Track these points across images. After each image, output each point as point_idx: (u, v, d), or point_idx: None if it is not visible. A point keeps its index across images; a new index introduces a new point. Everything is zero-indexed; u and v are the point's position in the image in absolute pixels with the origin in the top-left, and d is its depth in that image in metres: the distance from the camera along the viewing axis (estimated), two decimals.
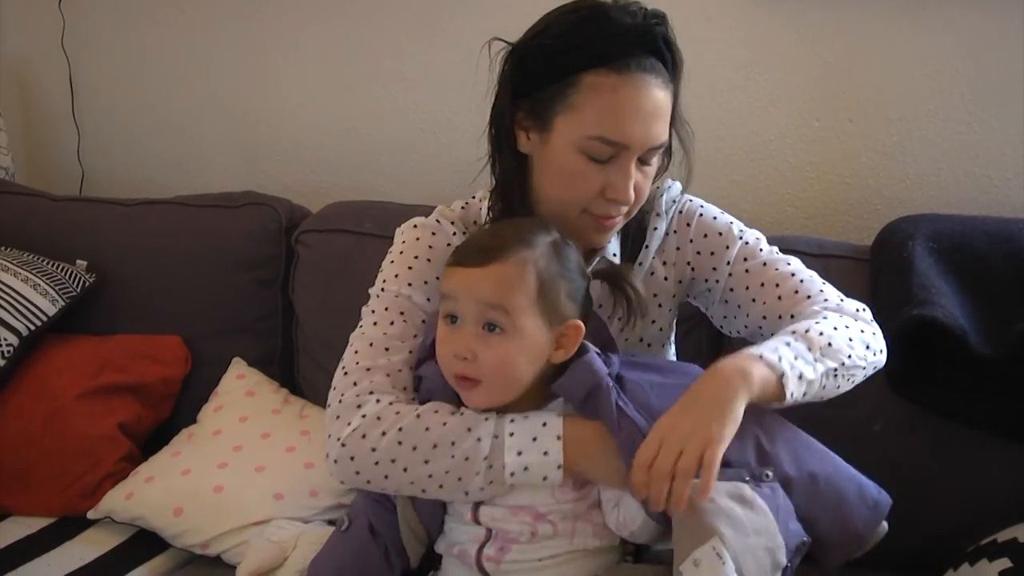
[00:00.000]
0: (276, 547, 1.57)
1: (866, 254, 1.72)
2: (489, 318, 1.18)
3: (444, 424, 1.20)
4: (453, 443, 1.18)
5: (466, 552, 1.23)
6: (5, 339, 1.89)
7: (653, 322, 1.39)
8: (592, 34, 1.21)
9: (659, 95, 1.22)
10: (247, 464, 1.77)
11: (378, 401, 1.24)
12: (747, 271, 1.34)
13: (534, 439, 1.18)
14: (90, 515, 1.79)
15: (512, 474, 1.17)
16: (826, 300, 1.30)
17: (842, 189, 1.94)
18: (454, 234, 1.36)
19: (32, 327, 1.93)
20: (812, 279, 1.33)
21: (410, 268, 1.33)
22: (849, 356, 1.22)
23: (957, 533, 1.52)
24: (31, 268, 2.00)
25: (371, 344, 1.29)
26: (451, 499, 1.24)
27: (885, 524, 1.25)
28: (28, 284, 1.96)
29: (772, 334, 1.26)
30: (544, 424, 1.19)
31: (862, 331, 1.26)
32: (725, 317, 1.40)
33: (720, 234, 1.37)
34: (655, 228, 1.37)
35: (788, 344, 1.19)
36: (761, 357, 1.16)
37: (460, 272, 1.21)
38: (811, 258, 1.70)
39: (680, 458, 1.09)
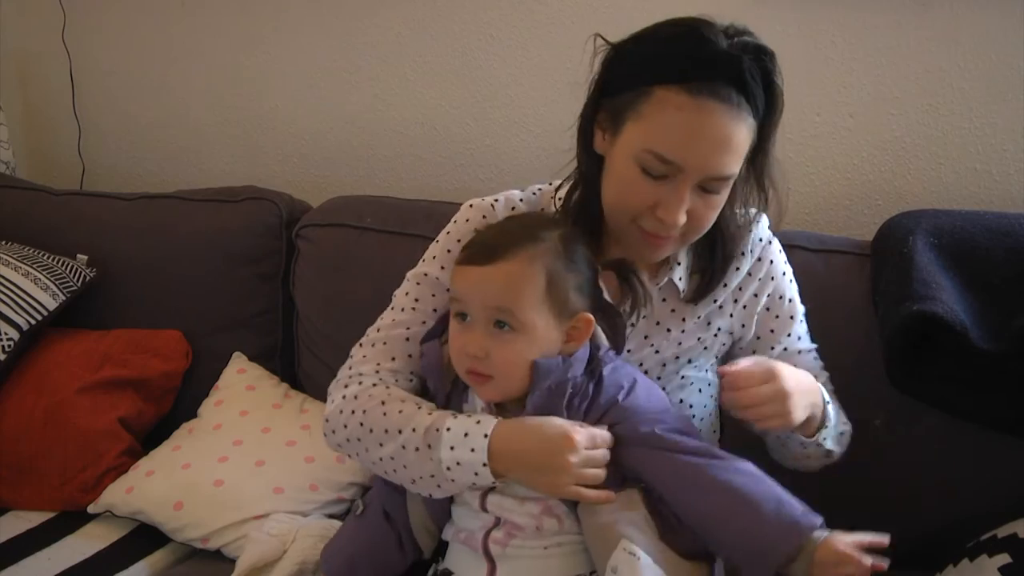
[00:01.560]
0: (275, 541, 1.57)
1: (867, 249, 1.72)
2: (498, 317, 1.20)
3: (399, 411, 1.25)
4: (400, 431, 1.23)
5: (473, 536, 1.25)
6: (5, 333, 1.89)
7: (704, 347, 1.40)
8: (678, 51, 1.20)
9: (729, 126, 1.18)
10: (247, 458, 1.78)
11: (360, 383, 1.31)
12: (799, 352, 1.43)
13: (465, 435, 1.20)
14: (90, 509, 1.79)
15: (448, 468, 1.20)
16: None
17: (843, 184, 1.94)
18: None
19: (33, 321, 1.93)
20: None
21: (448, 251, 1.36)
22: (835, 452, 1.40)
23: (957, 528, 1.52)
24: (32, 262, 2.00)
25: (378, 331, 1.36)
26: (410, 487, 1.27)
27: (818, 543, 1.18)
28: (29, 278, 1.96)
29: None
30: (478, 422, 1.21)
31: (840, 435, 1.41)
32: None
33: (792, 318, 1.43)
34: (738, 268, 1.38)
35: (839, 410, 1.39)
36: (827, 404, 1.34)
37: (467, 272, 1.22)
38: (812, 253, 1.71)
39: (763, 403, 1.22)
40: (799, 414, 1.24)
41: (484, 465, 1.18)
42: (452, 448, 1.20)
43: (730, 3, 1.92)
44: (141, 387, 1.96)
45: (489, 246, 1.22)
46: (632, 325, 1.33)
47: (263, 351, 2.04)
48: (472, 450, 1.19)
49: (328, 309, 1.96)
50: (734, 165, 1.21)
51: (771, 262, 1.40)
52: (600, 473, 1.18)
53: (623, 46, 1.25)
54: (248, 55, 2.34)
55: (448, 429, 1.21)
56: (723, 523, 1.17)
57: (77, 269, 2.04)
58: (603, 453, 1.19)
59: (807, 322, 1.45)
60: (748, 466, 1.21)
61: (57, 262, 2.03)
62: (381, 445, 1.25)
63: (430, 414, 1.24)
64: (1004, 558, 1.39)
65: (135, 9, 2.41)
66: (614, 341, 1.28)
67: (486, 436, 1.19)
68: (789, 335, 1.41)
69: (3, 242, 2.08)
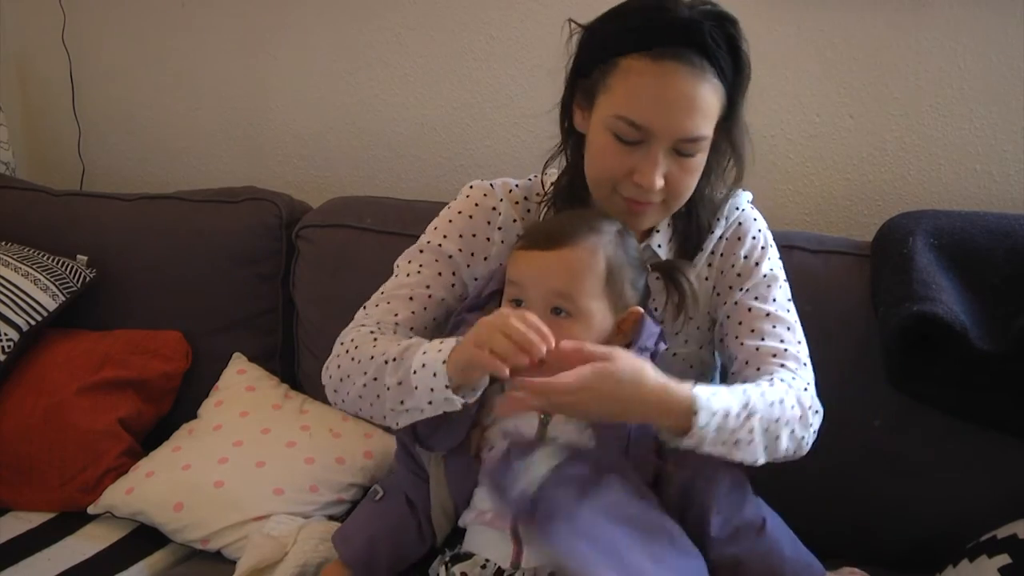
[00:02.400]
0: (275, 542, 1.57)
1: (867, 250, 1.72)
2: (556, 304, 1.22)
3: (390, 342, 1.29)
4: (384, 354, 1.27)
5: (501, 516, 1.24)
6: (5, 334, 1.89)
7: (690, 318, 1.40)
8: (641, 21, 1.24)
9: (694, 87, 1.22)
10: (247, 459, 1.77)
11: (359, 331, 1.35)
12: (749, 309, 1.37)
13: (441, 343, 1.22)
14: (90, 510, 1.79)
15: (415, 372, 1.21)
16: (795, 378, 1.31)
17: (843, 185, 1.94)
18: (501, 200, 1.41)
19: (32, 322, 1.93)
20: (796, 354, 1.35)
21: (450, 221, 1.42)
22: (745, 457, 1.22)
23: (957, 529, 1.52)
24: (31, 263, 2.00)
25: (381, 293, 1.40)
26: (379, 414, 1.27)
27: None
28: (28, 279, 1.96)
29: (728, 362, 1.38)
30: (455, 340, 1.22)
31: (791, 432, 1.26)
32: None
33: (756, 264, 1.39)
34: (712, 231, 1.40)
35: (727, 416, 1.19)
36: (695, 415, 1.16)
37: (528, 256, 1.24)
38: (811, 254, 1.71)
39: (572, 391, 1.12)
40: (599, 415, 1.17)
41: (443, 363, 1.19)
42: (424, 353, 1.22)
43: (730, 3, 1.93)
44: (141, 388, 1.96)
45: (551, 233, 1.25)
46: (677, 332, 1.37)
47: (263, 352, 2.04)
48: (439, 351, 1.21)
49: (328, 310, 1.96)
50: (704, 127, 1.24)
51: (739, 224, 1.41)
52: (509, 347, 1.13)
53: (592, 25, 1.30)
54: (248, 56, 2.34)
55: (424, 351, 1.22)
56: (745, 545, 1.25)
57: (77, 270, 2.04)
58: (533, 338, 1.13)
59: (790, 303, 1.41)
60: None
61: (57, 263, 2.03)
62: (365, 373, 1.28)
63: (412, 339, 1.27)
64: (1004, 559, 1.39)
65: (135, 10, 2.41)
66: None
67: (458, 341, 1.20)
68: (742, 290, 1.38)
69: (3, 243, 2.08)
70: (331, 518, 1.73)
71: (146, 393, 1.97)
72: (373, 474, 1.80)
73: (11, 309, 1.91)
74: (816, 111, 1.93)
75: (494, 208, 1.42)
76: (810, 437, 1.30)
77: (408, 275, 1.40)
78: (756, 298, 1.38)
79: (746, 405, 1.21)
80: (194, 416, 1.95)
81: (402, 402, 1.24)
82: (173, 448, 1.86)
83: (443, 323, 1.40)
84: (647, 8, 1.24)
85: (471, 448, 1.27)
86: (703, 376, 1.45)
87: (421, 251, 1.41)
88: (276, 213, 2.06)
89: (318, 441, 1.82)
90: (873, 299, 1.64)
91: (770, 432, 1.23)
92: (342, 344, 1.36)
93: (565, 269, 1.22)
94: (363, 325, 1.37)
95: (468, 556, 1.27)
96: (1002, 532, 1.45)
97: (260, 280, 2.05)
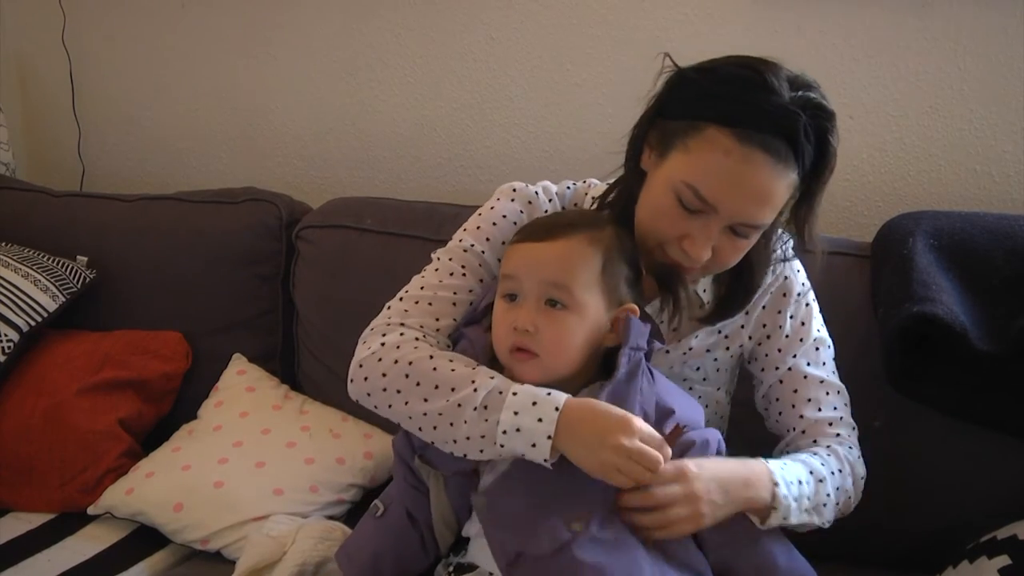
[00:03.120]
0: (274, 542, 1.57)
1: (866, 251, 1.72)
2: (551, 295, 1.20)
3: (452, 370, 1.22)
4: (453, 389, 1.20)
5: None
6: (5, 335, 1.89)
7: (715, 360, 1.41)
8: (738, 94, 1.18)
9: (772, 180, 1.18)
10: (247, 460, 1.77)
11: (402, 334, 1.28)
12: (805, 376, 1.39)
13: (534, 403, 1.17)
14: (90, 511, 1.79)
15: (504, 432, 1.16)
16: (850, 448, 1.37)
17: (843, 186, 1.94)
18: (546, 211, 1.37)
19: (33, 323, 1.93)
20: (849, 420, 1.40)
21: (494, 224, 1.36)
22: (818, 524, 1.30)
23: (957, 530, 1.52)
24: (32, 264, 2.00)
25: (421, 288, 1.33)
26: (443, 446, 1.23)
27: None
28: (29, 280, 1.96)
29: (781, 427, 1.41)
30: (548, 394, 1.18)
31: (848, 498, 1.34)
32: (753, 386, 1.45)
33: (803, 324, 1.40)
34: (762, 286, 1.38)
35: (800, 483, 1.26)
36: (777, 487, 1.24)
37: (525, 248, 1.23)
38: (811, 254, 1.70)
39: (669, 506, 1.17)
40: (714, 515, 1.19)
41: (548, 438, 1.15)
42: (516, 413, 1.16)
43: (730, 3, 1.93)
44: (141, 388, 1.96)
45: (547, 225, 1.25)
46: (672, 331, 1.36)
47: (263, 352, 2.04)
48: (539, 420, 1.15)
49: (328, 310, 1.96)
50: (768, 216, 1.22)
51: (785, 278, 1.39)
52: (645, 473, 1.14)
53: (687, 73, 1.24)
54: (248, 57, 2.34)
55: (514, 394, 1.17)
56: (737, 552, 1.25)
57: (77, 270, 2.04)
58: (655, 455, 1.15)
59: (834, 363, 1.42)
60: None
61: (57, 263, 2.03)
62: (426, 400, 1.21)
63: (492, 378, 1.20)
64: (1004, 560, 1.39)
65: (135, 11, 2.41)
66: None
67: (557, 409, 1.16)
68: (795, 356, 1.39)
69: (3, 243, 2.08)
70: (330, 518, 1.73)
71: (146, 394, 1.97)
72: (373, 474, 1.80)
73: (11, 310, 1.91)
74: None
75: (522, 211, 1.37)
76: (857, 501, 1.37)
77: (452, 275, 1.34)
78: (809, 363, 1.39)
79: (812, 472, 1.28)
80: (194, 417, 1.95)
81: (481, 451, 1.20)
82: (173, 449, 1.86)
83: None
84: (749, 85, 1.18)
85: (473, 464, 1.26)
86: (715, 418, 1.44)
87: (464, 251, 1.35)
88: (276, 214, 2.05)
89: (318, 442, 1.82)
90: (873, 300, 1.64)
91: (840, 496, 1.31)
92: (383, 346, 1.27)
93: (561, 259, 1.21)
94: (404, 325, 1.30)
95: (472, 567, 1.26)
96: (1002, 533, 1.45)
97: (260, 281, 2.05)
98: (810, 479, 1.27)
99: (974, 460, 1.59)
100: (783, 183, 1.19)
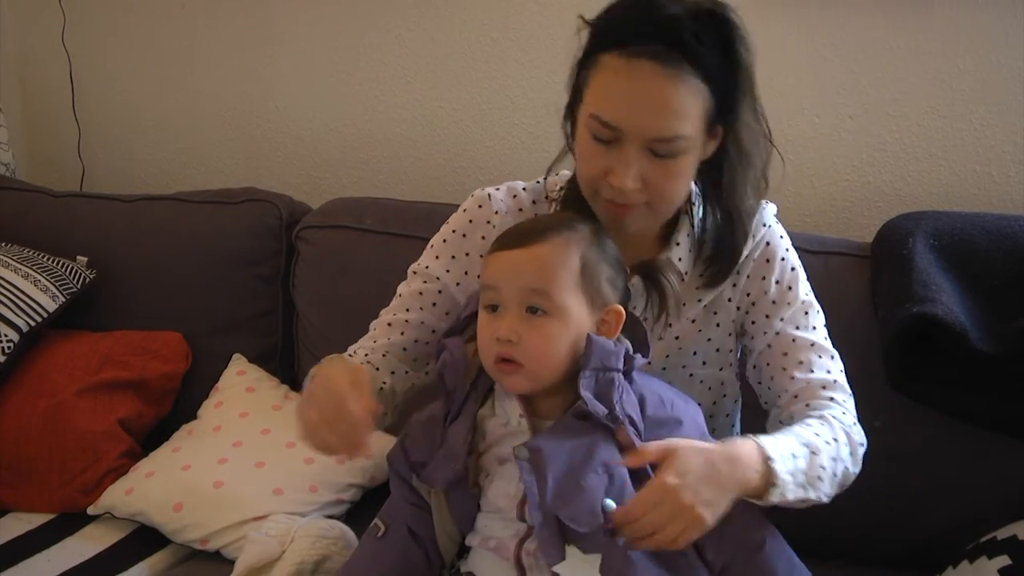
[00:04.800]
0: (273, 541, 1.57)
1: (866, 251, 1.72)
2: (532, 303, 1.18)
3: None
4: None
5: (504, 545, 1.22)
6: (5, 335, 1.89)
7: (709, 340, 1.38)
8: (624, 18, 1.20)
9: (665, 86, 1.17)
10: (247, 460, 1.78)
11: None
12: (794, 340, 1.34)
13: None
14: (90, 511, 1.79)
15: None
16: (844, 413, 1.31)
17: (843, 186, 1.94)
18: (497, 212, 1.37)
19: (32, 323, 1.93)
20: (843, 384, 1.34)
21: (444, 241, 1.40)
22: (815, 499, 1.23)
23: (957, 530, 1.52)
24: (31, 264, 2.00)
25: (373, 323, 1.41)
26: None
27: None
28: (28, 280, 1.96)
29: (772, 395, 1.35)
30: None
31: (845, 469, 1.27)
32: (742, 355, 1.42)
33: (789, 288, 1.36)
34: (744, 253, 1.35)
35: (794, 456, 1.19)
36: (770, 462, 1.17)
37: (500, 257, 1.21)
38: (811, 255, 1.70)
39: (666, 525, 1.11)
40: (714, 513, 1.13)
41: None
42: None
43: (730, 3, 1.93)
44: (141, 389, 1.96)
45: (522, 232, 1.23)
46: (662, 336, 1.34)
47: (263, 353, 2.04)
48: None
49: (328, 311, 1.96)
50: (678, 127, 1.19)
51: (767, 244, 1.36)
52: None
53: (585, 20, 1.26)
54: (248, 57, 2.34)
55: None
56: (738, 565, 1.22)
57: (77, 271, 2.04)
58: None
59: (826, 329, 1.38)
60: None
61: (57, 264, 2.03)
62: None
63: None
64: (1003, 560, 1.39)
65: (135, 11, 2.41)
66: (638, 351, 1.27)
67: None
68: (782, 320, 1.35)
69: (3, 244, 2.08)
70: (330, 518, 1.73)
71: (146, 394, 1.97)
72: (372, 474, 1.80)
73: (11, 310, 1.91)
74: (816, 112, 1.92)
75: (488, 222, 1.37)
76: (856, 471, 1.29)
77: (396, 297, 1.41)
78: (798, 327, 1.35)
79: (807, 444, 1.21)
80: (194, 417, 1.95)
81: None
82: (173, 449, 1.86)
83: (433, 344, 1.37)
84: (633, 5, 1.21)
85: (469, 479, 1.25)
86: (725, 400, 1.43)
87: (414, 272, 1.40)
88: (276, 214, 2.06)
89: None
90: (873, 300, 1.64)
91: (837, 467, 1.24)
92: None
93: (538, 265, 1.19)
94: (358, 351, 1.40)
95: None
96: (1002, 533, 1.45)
97: (260, 281, 2.05)
98: (803, 452, 1.21)
99: (974, 460, 1.59)
100: (681, 89, 1.18)
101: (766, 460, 1.17)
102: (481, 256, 1.34)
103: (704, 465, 1.13)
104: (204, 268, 2.04)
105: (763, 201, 1.36)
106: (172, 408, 2.02)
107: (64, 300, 1.99)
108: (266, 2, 2.29)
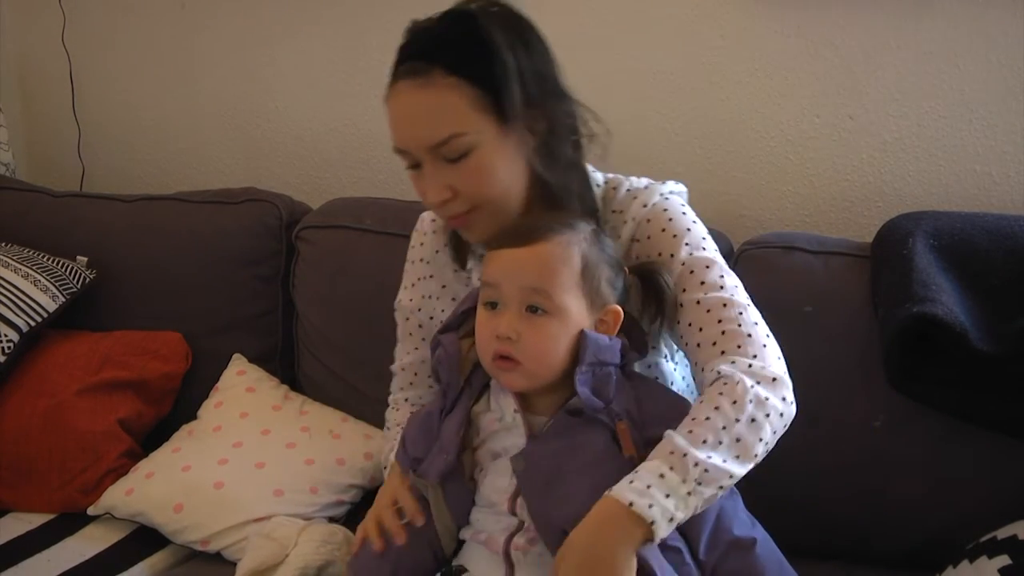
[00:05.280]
0: (276, 544, 1.57)
1: (866, 251, 1.71)
2: (532, 301, 1.19)
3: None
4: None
5: (494, 539, 1.23)
6: (5, 335, 1.89)
7: (670, 329, 1.35)
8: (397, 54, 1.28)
9: (418, 96, 1.23)
10: (247, 460, 1.78)
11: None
12: (682, 305, 1.27)
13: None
14: (90, 511, 1.79)
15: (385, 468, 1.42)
16: (733, 363, 1.20)
17: (843, 186, 1.94)
18: (424, 233, 1.45)
19: (32, 323, 1.93)
20: (735, 330, 1.23)
21: (406, 272, 1.50)
22: (732, 476, 1.14)
23: (957, 530, 1.52)
24: (31, 264, 2.00)
25: (393, 367, 1.53)
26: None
27: None
28: (28, 280, 1.97)
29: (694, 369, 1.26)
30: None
31: (753, 419, 1.16)
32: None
33: (672, 256, 1.29)
34: (619, 236, 1.33)
35: (663, 476, 1.11)
36: (631, 506, 1.09)
37: (501, 255, 1.22)
38: (811, 255, 1.71)
39: None
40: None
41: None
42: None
43: (731, 4, 1.93)
44: (141, 389, 1.96)
45: (523, 230, 1.23)
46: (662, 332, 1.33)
47: (263, 353, 2.04)
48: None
49: (328, 311, 1.96)
50: (446, 127, 1.22)
51: (648, 221, 1.32)
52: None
53: None
54: (248, 57, 2.34)
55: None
56: (729, 565, 1.21)
57: (77, 271, 2.04)
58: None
59: (720, 272, 1.28)
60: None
61: (57, 264, 2.03)
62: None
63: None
64: (1004, 560, 1.39)
65: (135, 11, 2.41)
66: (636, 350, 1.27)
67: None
68: (684, 291, 1.27)
69: (3, 244, 2.08)
70: (331, 519, 1.73)
71: (146, 394, 1.97)
72: (372, 475, 1.80)
73: (11, 310, 1.92)
74: (816, 112, 1.92)
75: (422, 244, 1.47)
76: (781, 405, 1.18)
77: (398, 330, 1.51)
78: (685, 290, 1.27)
79: (673, 451, 1.12)
80: (194, 417, 1.95)
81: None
82: (173, 449, 1.86)
83: None
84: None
85: (464, 474, 1.26)
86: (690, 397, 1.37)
87: (395, 309, 1.51)
88: (276, 214, 2.06)
89: (318, 442, 1.82)
90: (873, 300, 1.64)
91: (731, 433, 1.14)
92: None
93: (539, 264, 1.19)
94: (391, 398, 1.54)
95: (463, 570, 1.27)
96: (1002, 533, 1.45)
97: (260, 281, 2.05)
98: (672, 463, 1.12)
99: (974, 460, 1.58)
100: (434, 92, 1.22)
101: (628, 505, 1.10)
102: (431, 277, 1.45)
103: (572, 541, 1.11)
104: (204, 268, 2.04)
105: (654, 185, 1.36)
106: (172, 408, 2.02)
107: (64, 300, 1.99)
108: (266, 2, 2.29)
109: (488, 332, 1.21)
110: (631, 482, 1.11)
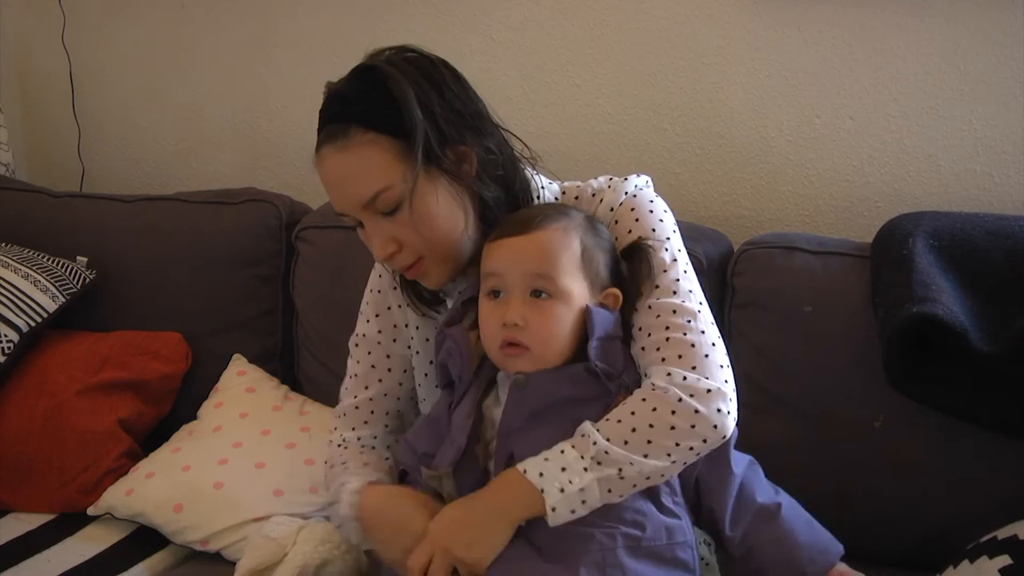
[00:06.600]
0: (275, 544, 1.57)
1: (866, 251, 1.71)
2: (536, 286, 1.22)
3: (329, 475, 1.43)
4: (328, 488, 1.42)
5: None
6: (5, 335, 1.89)
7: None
8: None
9: (340, 159, 1.24)
10: (247, 460, 1.77)
11: (329, 442, 1.48)
12: (635, 309, 1.28)
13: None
14: (90, 511, 1.79)
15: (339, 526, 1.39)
16: (669, 375, 1.21)
17: (843, 186, 1.94)
18: (385, 264, 1.41)
19: (32, 323, 1.93)
20: (667, 338, 1.24)
21: (367, 303, 1.47)
22: (633, 463, 1.16)
23: (957, 530, 1.52)
24: (32, 264, 2.00)
25: (346, 388, 1.49)
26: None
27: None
28: (28, 280, 1.96)
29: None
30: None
31: (673, 427, 1.18)
32: None
33: (639, 238, 1.30)
34: None
35: (563, 452, 1.17)
36: (525, 473, 1.17)
37: (502, 244, 1.24)
38: (811, 255, 1.71)
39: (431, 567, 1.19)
40: (474, 543, 1.18)
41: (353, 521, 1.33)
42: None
43: (731, 4, 1.93)
44: (141, 389, 1.96)
45: (522, 220, 1.26)
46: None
47: (263, 353, 2.04)
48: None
49: (328, 311, 1.96)
50: (370, 186, 1.24)
51: (616, 223, 1.32)
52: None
53: None
54: (248, 57, 2.34)
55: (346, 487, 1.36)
56: (758, 532, 1.25)
57: (77, 271, 2.04)
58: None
59: (670, 271, 1.28)
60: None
61: (57, 264, 2.03)
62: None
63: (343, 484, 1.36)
64: (1004, 560, 1.39)
65: (135, 11, 2.41)
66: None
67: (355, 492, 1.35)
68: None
69: (3, 244, 2.08)
70: (330, 519, 1.73)
71: (146, 394, 1.97)
72: None
73: (11, 310, 1.91)
74: (816, 112, 1.92)
75: (380, 276, 1.46)
76: (715, 417, 1.19)
77: (358, 362, 1.47)
78: (641, 292, 1.29)
79: (582, 435, 1.18)
80: (194, 417, 1.95)
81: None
82: (173, 449, 1.86)
83: (410, 376, 1.45)
84: None
85: (479, 465, 1.27)
86: None
87: (356, 344, 1.47)
88: (276, 214, 2.06)
89: (318, 442, 1.82)
90: (873, 300, 1.64)
91: (652, 438, 1.17)
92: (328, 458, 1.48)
93: (541, 249, 1.22)
94: (336, 434, 1.48)
95: None
96: (1002, 533, 1.45)
97: (260, 281, 2.05)
98: (575, 442, 1.18)
99: (974, 459, 1.58)
100: (354, 152, 1.24)
101: (522, 472, 1.18)
102: (390, 308, 1.44)
103: (463, 503, 1.22)
104: (204, 268, 2.04)
105: (604, 180, 1.37)
106: (172, 408, 2.02)
107: (64, 300, 1.99)
108: (266, 3, 2.29)
109: (494, 321, 1.23)
110: (538, 457, 1.18)
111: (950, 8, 1.81)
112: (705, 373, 1.21)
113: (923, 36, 1.83)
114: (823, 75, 1.91)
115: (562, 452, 1.17)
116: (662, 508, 1.22)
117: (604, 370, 1.23)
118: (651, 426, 1.17)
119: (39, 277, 1.98)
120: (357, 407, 1.46)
